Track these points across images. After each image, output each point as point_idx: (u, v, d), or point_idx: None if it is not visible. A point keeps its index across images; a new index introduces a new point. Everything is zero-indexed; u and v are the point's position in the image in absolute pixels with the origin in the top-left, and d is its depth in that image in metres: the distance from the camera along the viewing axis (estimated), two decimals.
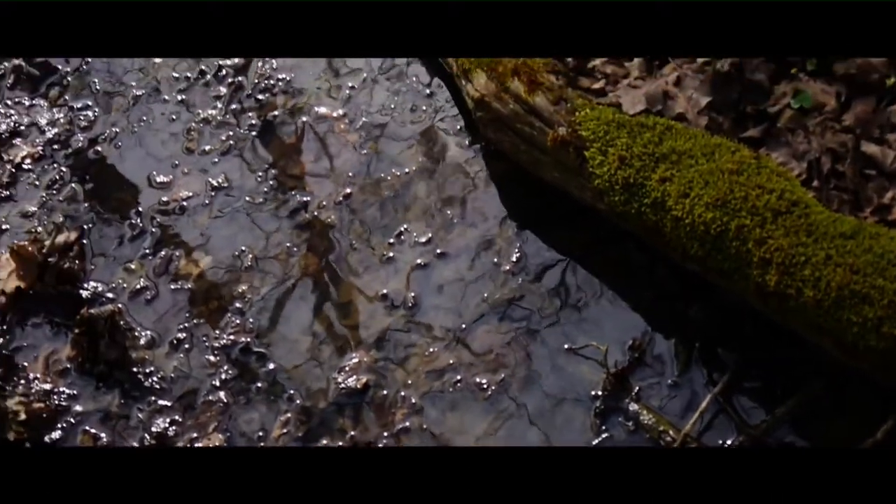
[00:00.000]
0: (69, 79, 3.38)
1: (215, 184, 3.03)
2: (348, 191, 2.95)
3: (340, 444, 2.51)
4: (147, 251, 2.92)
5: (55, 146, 3.21)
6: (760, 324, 2.39)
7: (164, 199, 3.02)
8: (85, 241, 2.97)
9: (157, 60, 3.36)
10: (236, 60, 3.30)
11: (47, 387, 2.70)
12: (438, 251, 2.78)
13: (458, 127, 3.05)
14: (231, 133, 3.14)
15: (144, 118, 3.22)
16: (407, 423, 2.50)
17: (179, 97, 3.25)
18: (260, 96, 3.21)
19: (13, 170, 3.17)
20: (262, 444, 2.54)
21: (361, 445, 2.50)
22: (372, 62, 3.23)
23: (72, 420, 2.63)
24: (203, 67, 3.30)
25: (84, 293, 2.85)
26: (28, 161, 3.19)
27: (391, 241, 2.82)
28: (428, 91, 3.14)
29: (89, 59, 3.41)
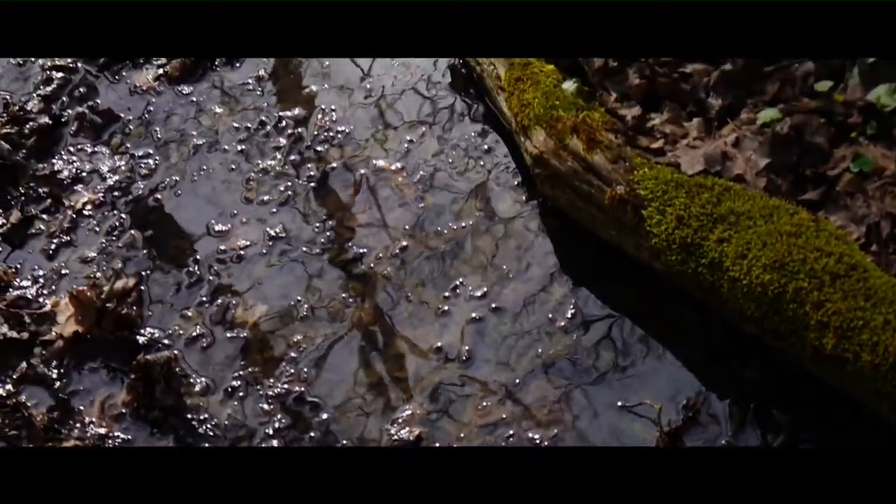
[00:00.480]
0: (131, 127, 3.59)
1: (273, 234, 3.19)
2: (405, 243, 3.10)
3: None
4: (204, 299, 3.08)
5: (116, 193, 3.41)
6: (817, 385, 2.49)
7: (222, 247, 3.19)
8: (143, 288, 3.14)
9: (219, 110, 3.56)
10: (297, 112, 3.49)
11: (102, 431, 2.85)
12: (493, 305, 2.91)
13: (516, 182, 3.20)
14: (289, 184, 3.32)
15: (204, 167, 3.41)
16: None
17: (239, 147, 3.45)
18: (319, 147, 3.39)
19: (74, 216, 3.37)
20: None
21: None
22: (432, 116, 3.41)
23: None
24: (263, 118, 3.50)
25: (141, 339, 3.02)
26: (89, 207, 3.38)
27: (446, 294, 2.96)
28: (486, 146, 3.31)
29: (151, 108, 3.62)
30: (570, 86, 2.96)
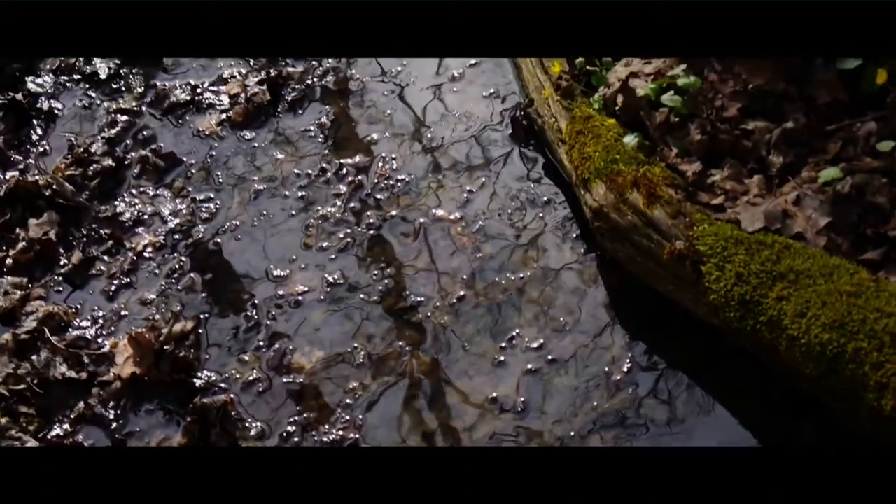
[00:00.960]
0: (193, 171, 3.79)
1: (331, 280, 3.36)
2: (461, 293, 3.25)
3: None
4: (261, 343, 3.25)
5: (176, 236, 3.60)
6: (874, 446, 2.58)
7: (280, 292, 3.36)
8: (201, 331, 3.32)
9: (280, 156, 3.75)
10: (357, 159, 3.67)
11: None
12: (549, 357, 3.04)
13: (574, 235, 3.34)
14: (349, 230, 3.48)
15: (265, 212, 3.60)
16: None
17: (300, 193, 3.63)
18: (378, 195, 3.56)
19: (135, 257, 3.56)
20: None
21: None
22: (491, 166, 3.56)
23: None
24: (324, 165, 3.68)
25: (198, 382, 3.18)
26: (149, 250, 3.58)
27: (502, 345, 3.10)
28: (545, 198, 3.45)
29: (213, 153, 3.82)
30: (631, 140, 3.10)
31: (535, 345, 3.08)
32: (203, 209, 3.66)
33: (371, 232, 3.47)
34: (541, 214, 3.42)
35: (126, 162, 3.85)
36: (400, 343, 3.17)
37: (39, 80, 4.20)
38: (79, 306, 3.45)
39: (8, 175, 3.85)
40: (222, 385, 3.16)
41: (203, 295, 3.42)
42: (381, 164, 3.66)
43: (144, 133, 3.96)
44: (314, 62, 4.06)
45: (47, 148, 3.97)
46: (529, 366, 3.04)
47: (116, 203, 3.73)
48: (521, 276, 3.26)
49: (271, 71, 4.00)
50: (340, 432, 3.00)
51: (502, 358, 3.07)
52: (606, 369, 2.99)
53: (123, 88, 4.12)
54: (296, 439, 3.01)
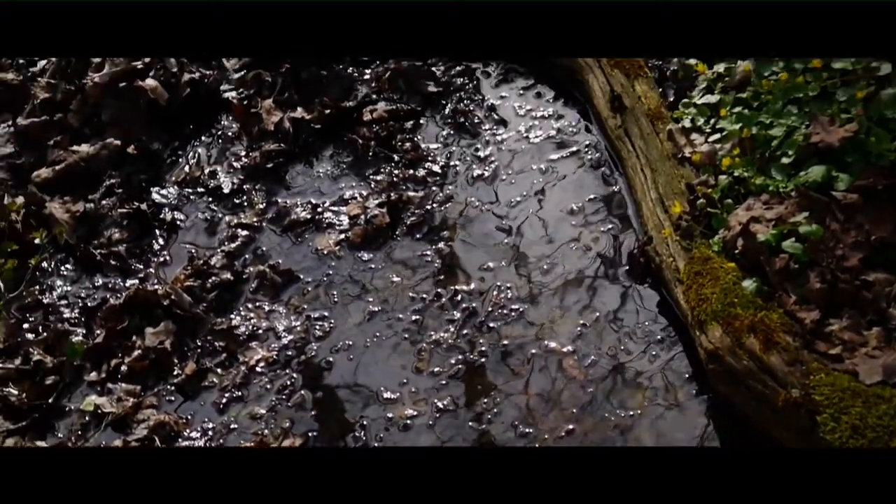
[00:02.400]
0: (309, 288, 4.10)
1: (440, 406, 3.61)
2: (571, 427, 3.47)
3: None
4: None
5: (290, 352, 3.89)
6: None
7: (390, 415, 3.62)
8: None
9: (396, 279, 4.05)
10: (473, 286, 3.95)
11: None
12: None
13: (687, 375, 3.55)
14: (461, 357, 3.75)
15: (378, 334, 3.88)
16: None
17: (414, 317, 3.91)
18: (492, 324, 3.83)
19: (247, 371, 3.86)
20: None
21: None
22: (606, 301, 3.81)
23: None
24: (440, 290, 3.97)
25: None
26: (262, 364, 3.88)
27: None
28: (659, 337, 3.68)
29: (330, 272, 4.13)
30: (749, 284, 3.33)
31: None
32: (317, 327, 3.96)
33: (483, 360, 3.73)
34: (654, 353, 3.64)
35: (244, 276, 4.19)
36: None
37: (164, 192, 4.60)
38: (189, 417, 3.75)
39: (128, 283, 4.22)
40: None
41: (313, 413, 3.69)
42: (496, 292, 3.93)
43: (263, 248, 4.30)
44: (434, 188, 4.37)
45: (168, 258, 4.33)
46: None
47: (232, 316, 4.05)
48: (631, 413, 3.47)
49: (392, 194, 4.32)
50: None
51: None
52: None
53: (245, 203, 4.49)
54: None
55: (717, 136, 3.92)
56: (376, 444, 3.52)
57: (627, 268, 3.93)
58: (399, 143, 4.57)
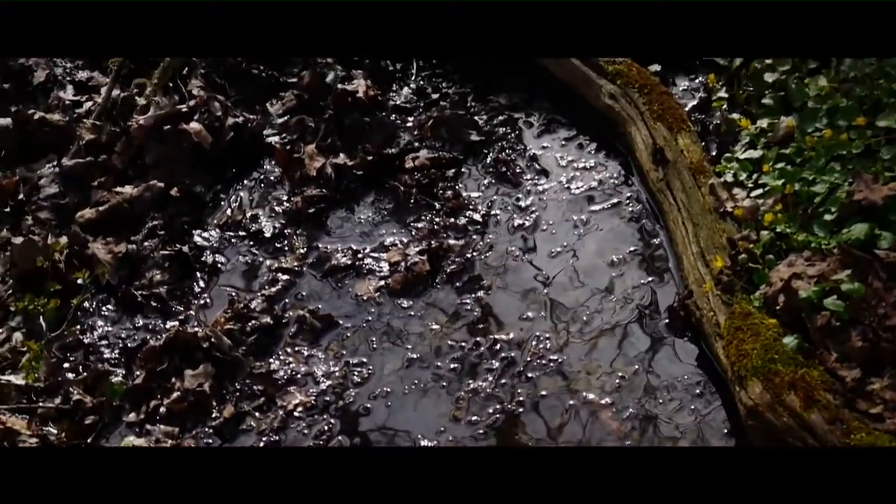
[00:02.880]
0: (349, 334, 4.19)
1: None
2: None
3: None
4: None
5: (328, 398, 3.98)
6: None
7: None
8: None
9: (435, 326, 4.13)
10: (511, 336, 4.03)
11: None
12: None
13: (725, 430, 3.61)
14: (499, 407, 3.82)
15: (416, 381, 3.96)
16: None
17: (452, 365, 3.99)
18: (531, 374, 3.90)
19: (285, 416, 3.94)
20: None
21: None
22: (646, 354, 3.88)
23: None
24: (478, 339, 4.05)
25: None
26: (300, 409, 3.96)
27: None
28: (698, 391, 3.74)
29: (370, 318, 4.22)
30: (790, 341, 3.39)
31: None
32: (356, 373, 4.04)
33: (521, 410, 3.80)
34: (692, 407, 3.70)
35: (284, 320, 4.28)
36: None
37: (206, 234, 4.71)
38: None
39: (169, 325, 4.32)
40: None
41: None
42: (534, 342, 4.01)
43: (303, 293, 4.39)
44: (475, 236, 4.47)
45: (208, 301, 4.44)
46: None
47: (271, 360, 4.14)
48: None
49: (432, 242, 4.42)
50: None
51: None
52: None
53: (286, 248, 4.59)
54: None
55: (760, 191, 4.00)
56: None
57: (667, 321, 3.99)
58: (440, 191, 4.67)
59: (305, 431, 3.88)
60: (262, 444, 3.84)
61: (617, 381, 3.83)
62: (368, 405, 3.93)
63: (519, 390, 3.86)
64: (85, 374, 4.15)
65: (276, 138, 5.08)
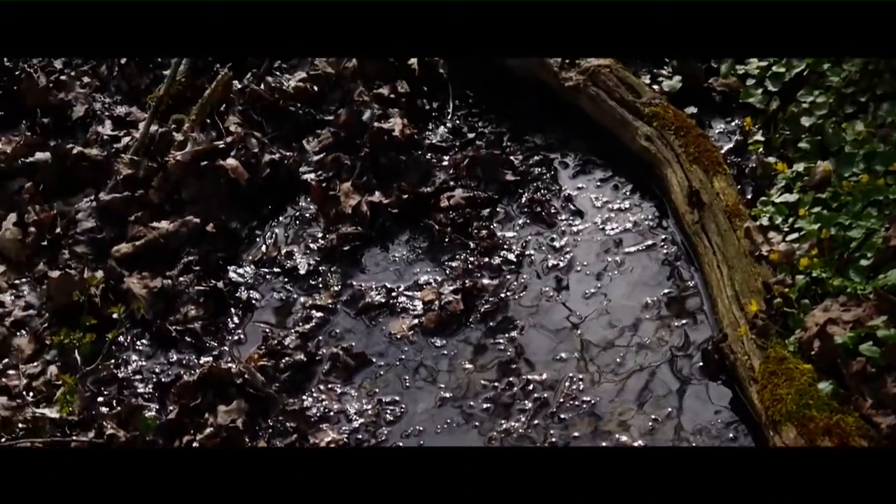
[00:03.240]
0: (381, 372, 4.25)
1: None
2: None
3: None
4: None
5: (360, 436, 4.03)
6: None
7: None
8: None
9: (468, 366, 4.18)
10: (545, 377, 4.07)
11: None
12: None
13: None
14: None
15: (449, 420, 4.01)
16: None
17: (485, 405, 4.04)
18: (564, 415, 3.94)
19: None
20: None
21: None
22: (679, 397, 3.91)
23: None
24: (511, 379, 4.09)
25: None
26: (332, 447, 4.01)
27: None
28: (731, 435, 3.77)
29: (403, 356, 4.28)
30: (825, 386, 3.42)
31: None
32: (388, 411, 4.10)
33: None
34: None
35: (317, 358, 4.34)
36: None
37: (241, 270, 4.79)
38: None
39: (202, 360, 4.39)
40: None
41: None
42: (567, 383, 4.05)
43: (337, 331, 4.46)
44: (509, 276, 4.52)
45: (242, 337, 4.51)
46: None
47: (304, 397, 4.20)
48: None
49: (466, 281, 4.48)
50: None
51: None
52: None
53: (321, 285, 4.66)
54: None
55: (795, 235, 4.04)
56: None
57: (701, 364, 4.02)
58: (475, 231, 4.73)
59: None
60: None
61: (650, 423, 3.87)
62: (401, 444, 3.98)
63: (551, 431, 3.90)
64: (118, 408, 4.22)
65: (312, 175, 5.16)
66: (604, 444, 3.82)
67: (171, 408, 4.20)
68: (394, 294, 4.55)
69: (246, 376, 4.22)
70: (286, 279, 4.73)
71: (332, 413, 4.13)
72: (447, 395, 4.11)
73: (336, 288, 4.63)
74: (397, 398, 4.15)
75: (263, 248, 4.89)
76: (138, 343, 4.52)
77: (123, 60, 5.91)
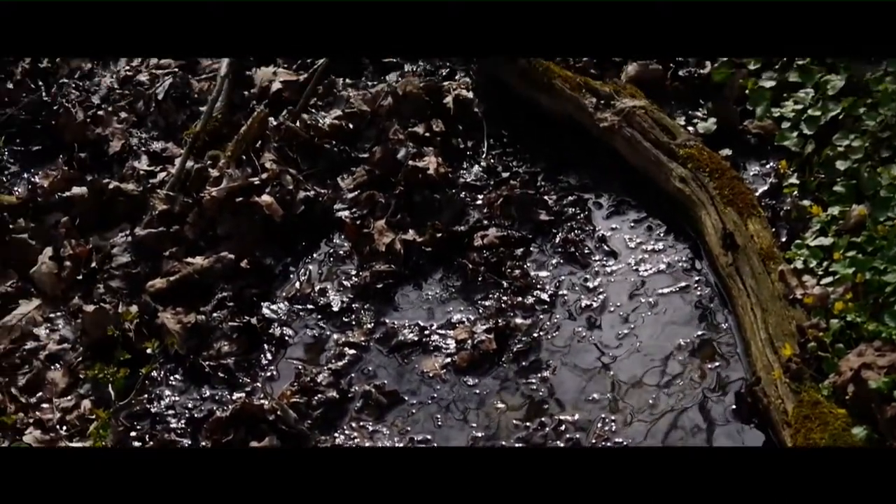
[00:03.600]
0: (413, 410, 4.31)
1: None
2: None
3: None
4: None
5: None
6: None
7: None
8: None
9: (500, 405, 4.24)
10: (577, 417, 4.12)
11: None
12: None
13: None
14: None
15: None
16: None
17: (517, 445, 4.08)
18: None
19: None
20: None
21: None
22: (712, 440, 3.94)
23: None
24: (544, 419, 4.14)
25: None
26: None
27: None
28: None
29: (435, 395, 4.34)
30: (859, 432, 3.45)
31: None
32: None
33: None
34: None
35: (349, 395, 4.40)
36: None
37: (274, 307, 4.86)
38: None
39: (235, 396, 4.46)
40: None
41: None
42: (599, 424, 4.10)
43: (370, 368, 4.52)
44: (542, 316, 4.57)
45: (275, 373, 4.58)
46: None
47: (336, 434, 4.26)
48: None
49: (499, 321, 4.53)
50: None
51: None
52: None
53: (354, 323, 4.72)
54: None
55: (830, 279, 4.08)
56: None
57: (734, 407, 4.06)
58: (508, 270, 4.78)
59: None
60: None
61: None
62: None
63: None
64: (151, 443, 4.29)
65: (347, 213, 5.23)
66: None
67: (203, 444, 4.26)
68: (426, 332, 4.61)
69: (278, 413, 4.28)
70: (319, 316, 4.79)
71: None
72: (479, 434, 4.16)
73: (369, 325, 4.69)
74: (429, 437, 4.20)
75: (297, 284, 4.96)
76: (171, 378, 4.59)
77: (161, 97, 6.00)
